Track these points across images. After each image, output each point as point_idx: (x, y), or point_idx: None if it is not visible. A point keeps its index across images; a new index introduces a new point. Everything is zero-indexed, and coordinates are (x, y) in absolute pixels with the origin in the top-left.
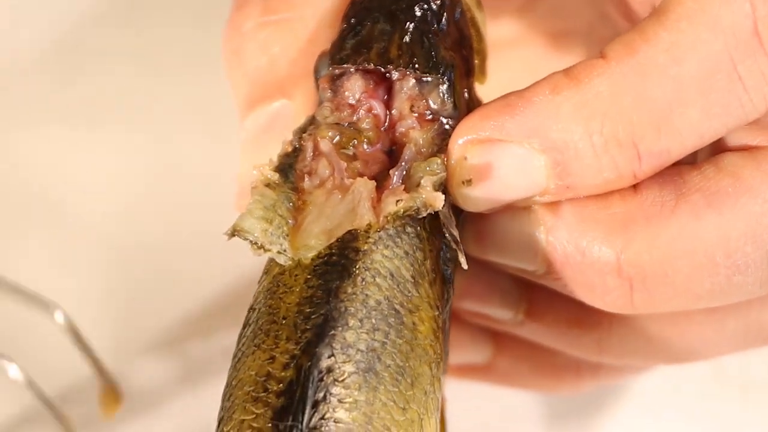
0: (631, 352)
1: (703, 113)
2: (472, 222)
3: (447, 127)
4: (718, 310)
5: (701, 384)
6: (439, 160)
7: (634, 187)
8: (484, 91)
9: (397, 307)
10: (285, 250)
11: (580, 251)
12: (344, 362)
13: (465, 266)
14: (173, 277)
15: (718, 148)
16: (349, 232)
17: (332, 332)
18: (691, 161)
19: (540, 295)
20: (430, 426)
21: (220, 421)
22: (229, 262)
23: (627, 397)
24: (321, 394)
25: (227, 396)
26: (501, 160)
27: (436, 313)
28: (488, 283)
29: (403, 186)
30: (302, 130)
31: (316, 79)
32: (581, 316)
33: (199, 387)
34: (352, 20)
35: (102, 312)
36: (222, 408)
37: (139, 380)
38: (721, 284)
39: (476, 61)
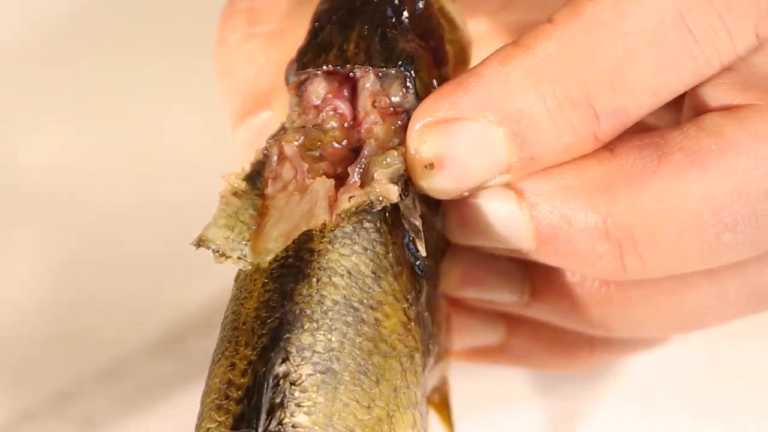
0: (637, 324)
1: (654, 68)
2: (453, 210)
3: (409, 119)
4: (717, 274)
5: (696, 372)
6: (396, 152)
7: (612, 150)
8: None
9: (356, 304)
10: (245, 256)
11: (565, 220)
12: (300, 365)
13: (423, 253)
14: (170, 273)
15: (699, 110)
16: (305, 233)
17: (287, 335)
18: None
19: (542, 274)
20: (404, 421)
21: (196, 429)
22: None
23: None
24: (278, 399)
25: (201, 404)
26: (458, 139)
27: (405, 305)
28: (488, 268)
29: (359, 182)
30: (273, 138)
31: (287, 85)
32: (583, 293)
33: (198, 385)
34: (316, 23)
35: (98, 308)
36: (197, 416)
37: (138, 379)
38: (710, 243)
39: (450, 50)
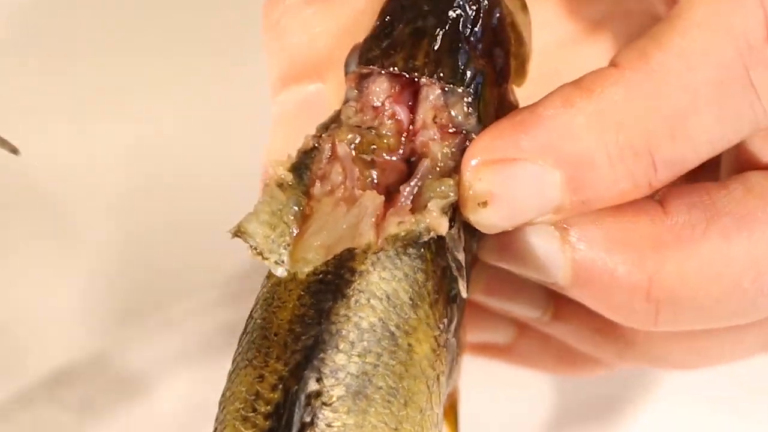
0: (650, 361)
1: (716, 120)
2: (492, 234)
3: (468, 142)
4: (738, 326)
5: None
6: (452, 182)
7: (663, 208)
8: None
9: (393, 329)
10: (283, 262)
11: (608, 272)
12: (333, 386)
13: (465, 295)
14: (174, 259)
15: (742, 164)
16: (347, 249)
17: (321, 355)
18: (713, 178)
19: (568, 300)
20: None
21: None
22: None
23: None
24: (308, 419)
25: (221, 407)
26: (515, 180)
27: (437, 333)
28: (514, 282)
29: (410, 205)
30: (325, 127)
31: (346, 74)
32: (607, 325)
33: (196, 367)
34: (387, 18)
35: (101, 295)
36: (216, 418)
37: (137, 361)
38: (746, 307)
39: (513, 64)
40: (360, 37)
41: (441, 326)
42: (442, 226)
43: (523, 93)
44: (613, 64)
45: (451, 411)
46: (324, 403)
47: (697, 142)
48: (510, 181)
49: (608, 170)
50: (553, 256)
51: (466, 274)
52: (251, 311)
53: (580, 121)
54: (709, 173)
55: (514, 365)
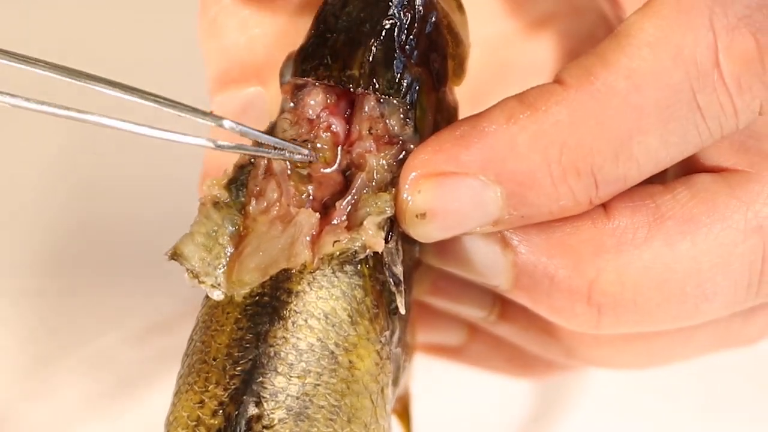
0: (601, 359)
1: (661, 141)
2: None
3: (405, 152)
4: (687, 327)
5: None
6: (388, 197)
7: (606, 211)
8: None
9: (332, 347)
10: (219, 284)
11: (548, 276)
12: (274, 409)
13: (402, 311)
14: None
15: (689, 166)
16: (283, 270)
17: (260, 378)
18: (660, 177)
19: (514, 301)
20: None
21: None
22: None
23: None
24: None
25: (166, 431)
26: (455, 194)
27: (379, 347)
28: (459, 283)
29: (346, 222)
30: (260, 143)
31: (281, 83)
32: (552, 325)
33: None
34: (321, 26)
35: (86, 292)
36: None
37: (131, 362)
38: (689, 311)
39: (451, 65)
40: (298, 41)
41: (383, 339)
42: (378, 243)
43: (467, 87)
44: (558, 80)
45: (404, 412)
46: (265, 427)
47: (640, 162)
48: (449, 195)
49: (550, 188)
50: (495, 259)
51: (407, 282)
52: (192, 333)
53: (523, 138)
54: (656, 174)
55: (466, 366)
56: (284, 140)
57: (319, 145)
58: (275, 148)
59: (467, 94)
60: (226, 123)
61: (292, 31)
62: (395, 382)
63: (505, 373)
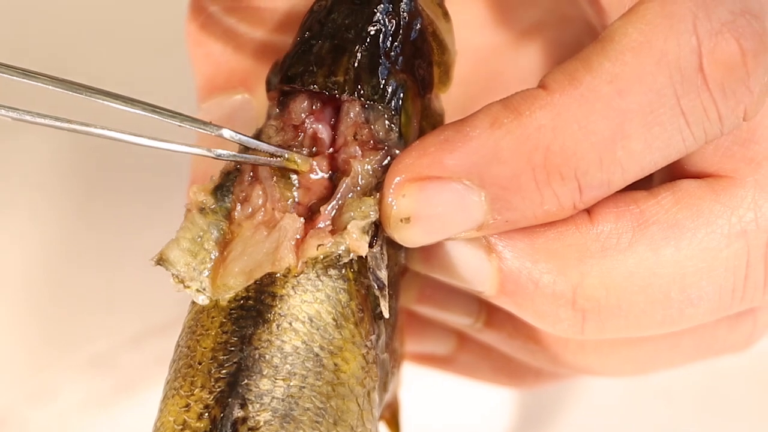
0: (588, 367)
1: (645, 146)
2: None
3: (390, 157)
4: (673, 332)
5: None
6: (372, 201)
7: (590, 216)
8: None
9: (317, 350)
10: (204, 289)
11: (533, 281)
12: (259, 411)
13: (387, 315)
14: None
15: (674, 172)
16: (268, 274)
17: (245, 381)
18: (645, 183)
19: (500, 308)
20: None
21: None
22: None
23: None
24: None
25: None
26: (439, 198)
27: (364, 350)
28: (446, 290)
29: (330, 226)
30: (246, 149)
31: (267, 90)
32: (538, 332)
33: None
34: (306, 34)
35: (86, 293)
36: None
37: (133, 363)
38: (673, 316)
39: (436, 72)
40: (284, 49)
41: (368, 343)
42: (361, 247)
43: (453, 97)
44: (542, 85)
45: (393, 421)
46: (251, 429)
47: (624, 167)
48: (434, 199)
49: (534, 193)
50: (480, 265)
51: (393, 287)
52: (178, 338)
53: (507, 143)
54: (640, 180)
55: (456, 376)
56: (283, 148)
57: (304, 151)
58: (272, 156)
59: (457, 105)
60: (226, 132)
61: (279, 38)
62: (384, 387)
63: (494, 382)
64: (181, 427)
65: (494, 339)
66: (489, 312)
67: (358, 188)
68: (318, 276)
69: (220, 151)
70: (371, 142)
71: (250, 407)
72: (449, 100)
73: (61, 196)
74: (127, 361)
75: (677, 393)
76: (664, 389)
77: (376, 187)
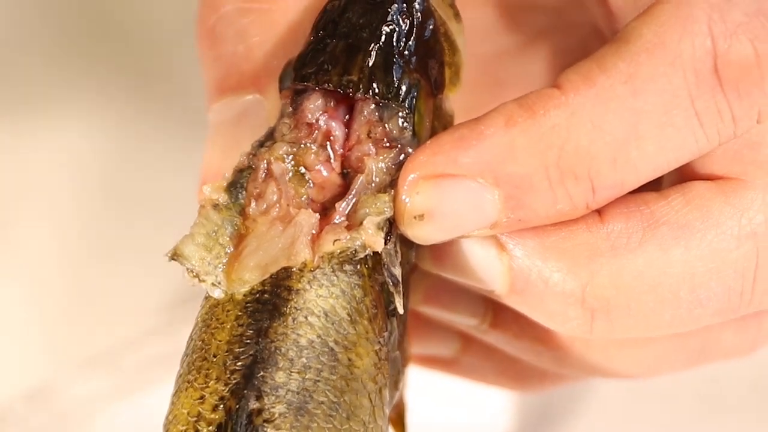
0: (593, 368)
1: (658, 147)
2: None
3: (403, 155)
4: (679, 333)
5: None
6: (387, 198)
7: (601, 216)
8: None
9: (332, 344)
10: (219, 283)
11: (543, 280)
12: (274, 403)
13: (401, 311)
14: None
15: (684, 174)
16: (283, 268)
17: (261, 373)
18: (655, 186)
19: (505, 307)
20: None
21: None
22: None
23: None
24: None
25: (165, 430)
26: (453, 196)
27: (377, 347)
28: (452, 291)
29: (346, 222)
30: (260, 145)
31: (280, 89)
32: (544, 333)
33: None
34: (320, 33)
35: (87, 293)
36: None
37: (133, 363)
38: (682, 316)
39: (447, 73)
40: (296, 49)
41: (381, 340)
42: (377, 242)
43: (463, 102)
44: (556, 85)
45: (399, 421)
46: (266, 420)
47: (638, 168)
48: (448, 197)
49: (547, 192)
50: (491, 264)
51: (404, 285)
52: (191, 333)
53: (521, 142)
54: (651, 182)
55: (460, 378)
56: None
57: (319, 148)
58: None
59: (463, 111)
60: None
61: (291, 39)
62: (395, 385)
63: (499, 385)
64: (195, 418)
65: (500, 340)
66: (495, 313)
67: (373, 185)
68: (333, 271)
69: None
70: (385, 140)
71: (265, 399)
72: (455, 106)
73: (61, 197)
74: (127, 361)
75: (682, 397)
76: (669, 393)
77: (390, 184)
